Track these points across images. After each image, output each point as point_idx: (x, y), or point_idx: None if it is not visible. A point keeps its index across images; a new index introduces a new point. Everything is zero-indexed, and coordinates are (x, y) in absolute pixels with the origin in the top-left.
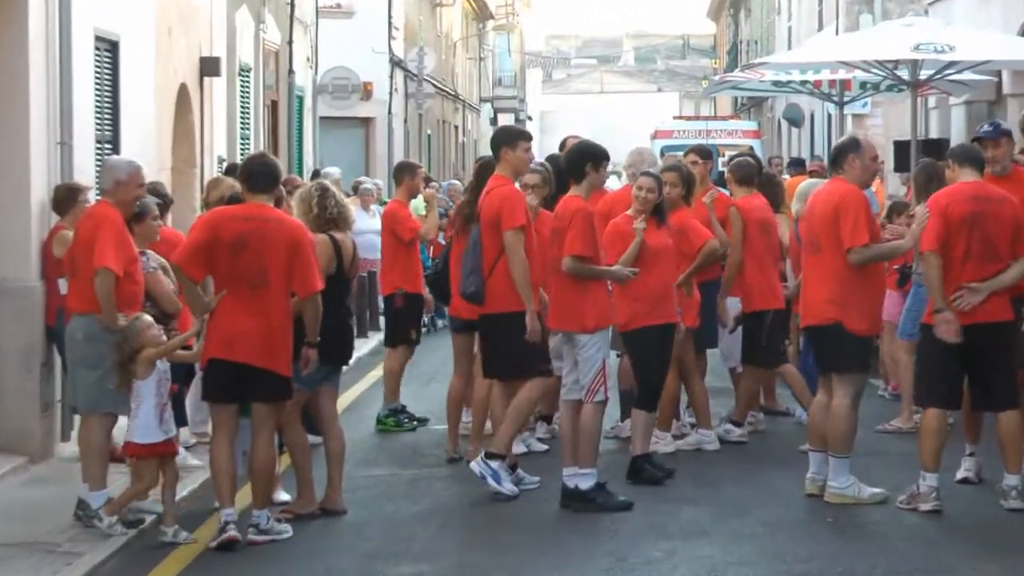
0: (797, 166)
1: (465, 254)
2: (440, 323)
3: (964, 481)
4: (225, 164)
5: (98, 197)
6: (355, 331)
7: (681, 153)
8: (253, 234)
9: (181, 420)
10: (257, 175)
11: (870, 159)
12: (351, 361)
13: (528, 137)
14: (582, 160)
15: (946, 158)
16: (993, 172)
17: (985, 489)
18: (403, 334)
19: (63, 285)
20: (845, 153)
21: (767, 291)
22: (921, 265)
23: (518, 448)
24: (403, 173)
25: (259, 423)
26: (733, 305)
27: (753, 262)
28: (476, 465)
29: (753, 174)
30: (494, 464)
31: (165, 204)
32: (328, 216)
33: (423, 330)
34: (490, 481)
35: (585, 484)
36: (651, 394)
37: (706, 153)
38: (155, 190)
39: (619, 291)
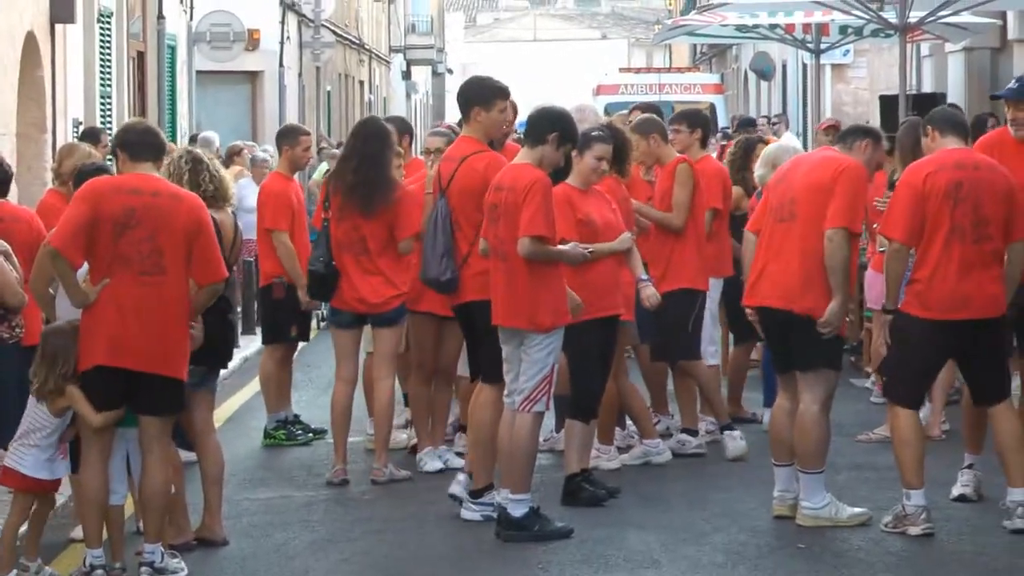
0: (751, 126)
1: (428, 233)
2: None
3: (961, 499)
4: (82, 128)
5: None
6: (238, 327)
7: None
8: (143, 210)
9: None
10: (139, 143)
11: (877, 162)
12: (233, 363)
13: (506, 95)
14: (547, 126)
15: (923, 124)
16: (1019, 136)
17: (985, 508)
18: (283, 331)
19: None
20: (862, 136)
21: (704, 269)
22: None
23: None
24: (282, 141)
25: (150, 439)
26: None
27: (694, 232)
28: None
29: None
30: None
31: (4, 177)
32: (203, 194)
33: (322, 324)
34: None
35: (518, 511)
36: (591, 401)
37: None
38: None
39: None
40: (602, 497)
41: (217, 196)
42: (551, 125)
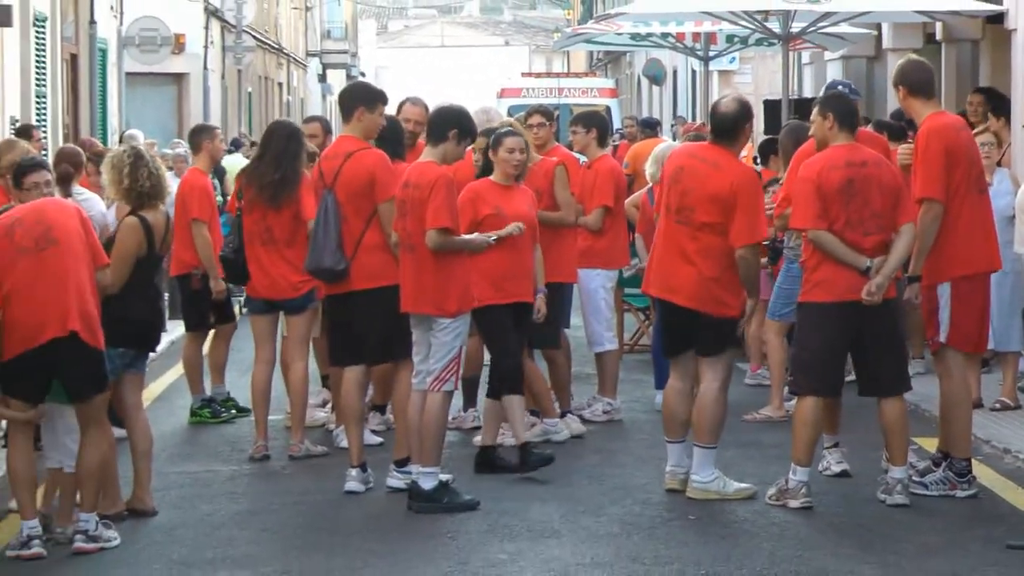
0: (648, 127)
1: (318, 226)
2: None
3: (843, 474)
4: (19, 124)
5: None
6: (166, 312)
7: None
8: (22, 208)
9: None
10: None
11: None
12: (161, 346)
13: (386, 100)
14: (447, 124)
15: (819, 108)
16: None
17: (859, 483)
18: (203, 319)
19: None
20: (743, 123)
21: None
22: (806, 243)
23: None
24: (201, 137)
25: (86, 418)
26: None
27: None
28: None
29: None
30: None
31: None
32: (140, 189)
33: (243, 311)
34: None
35: (427, 484)
36: (520, 375)
37: (549, 114)
38: None
39: (472, 265)
40: (549, 458)
41: (152, 193)
42: (450, 123)
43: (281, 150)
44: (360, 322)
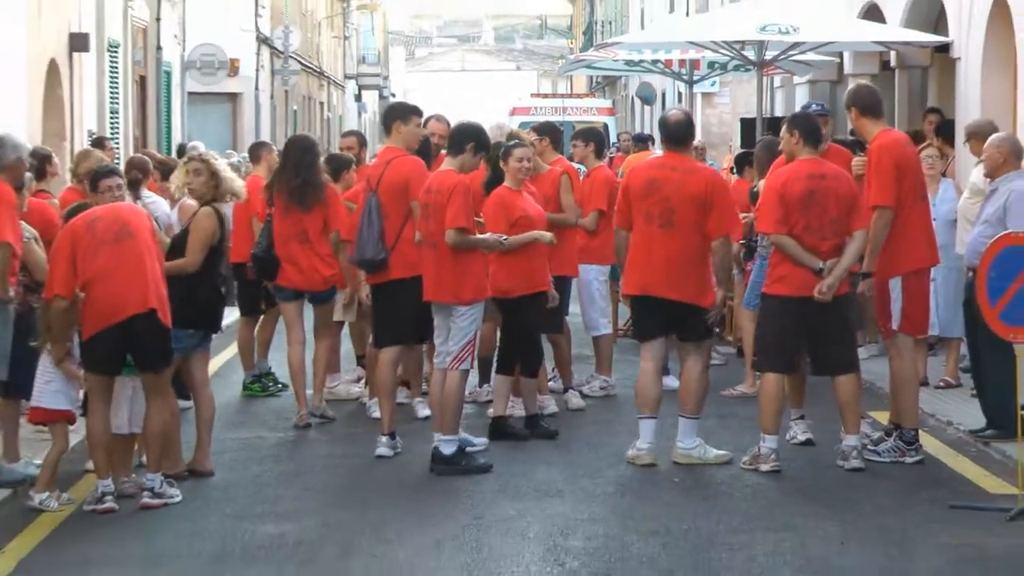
0: (640, 142)
1: (362, 223)
2: None
3: (808, 443)
4: (94, 137)
5: None
6: (226, 298)
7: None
8: (105, 212)
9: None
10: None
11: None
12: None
13: (420, 113)
14: (465, 138)
15: (787, 126)
16: (819, 150)
17: (822, 451)
18: (254, 305)
19: None
20: (691, 130)
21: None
22: (772, 246)
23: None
24: (260, 150)
25: (152, 389)
26: None
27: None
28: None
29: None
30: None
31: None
32: (224, 188)
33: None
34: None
35: (448, 449)
36: (540, 358)
37: (540, 130)
38: (37, 152)
39: (496, 261)
40: (552, 433)
41: (222, 192)
42: (468, 137)
43: (297, 160)
44: (399, 307)
